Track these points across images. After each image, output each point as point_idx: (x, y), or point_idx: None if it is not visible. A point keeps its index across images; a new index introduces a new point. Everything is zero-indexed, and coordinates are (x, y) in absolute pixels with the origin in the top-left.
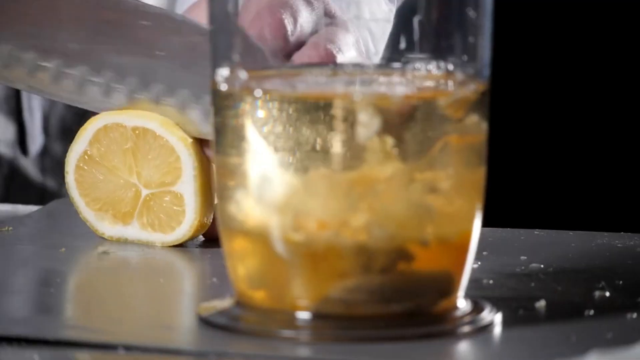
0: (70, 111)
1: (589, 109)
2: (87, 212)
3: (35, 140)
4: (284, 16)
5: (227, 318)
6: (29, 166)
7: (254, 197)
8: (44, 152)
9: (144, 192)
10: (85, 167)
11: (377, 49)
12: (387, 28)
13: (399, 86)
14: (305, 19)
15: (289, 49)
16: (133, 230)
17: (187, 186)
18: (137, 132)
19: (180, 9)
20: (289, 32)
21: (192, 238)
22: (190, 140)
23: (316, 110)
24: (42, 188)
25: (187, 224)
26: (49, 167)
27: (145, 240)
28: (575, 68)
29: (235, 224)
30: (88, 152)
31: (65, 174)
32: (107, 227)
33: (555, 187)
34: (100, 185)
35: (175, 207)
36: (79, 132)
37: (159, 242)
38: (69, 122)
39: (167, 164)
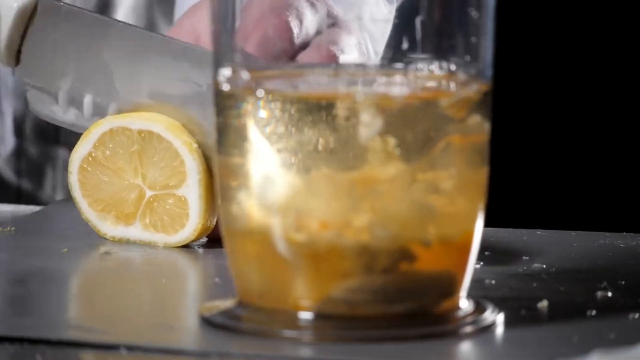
0: None
1: (591, 109)
2: (89, 212)
3: (6, 142)
4: (290, 19)
5: (229, 318)
6: (3, 168)
7: (256, 197)
8: (19, 154)
9: (148, 193)
10: (89, 169)
11: (377, 51)
12: (386, 29)
13: (401, 86)
14: (310, 22)
15: (293, 52)
16: (135, 231)
17: (192, 190)
18: (142, 135)
19: (180, 9)
20: (295, 35)
21: (195, 241)
22: (194, 145)
23: (318, 111)
24: (18, 190)
25: (190, 227)
26: (24, 169)
27: (147, 241)
28: (577, 68)
29: (237, 224)
30: (92, 154)
31: (69, 174)
32: (109, 227)
33: (557, 188)
34: (104, 186)
35: (178, 210)
36: (84, 134)
37: (161, 242)
38: (44, 124)
39: (171, 168)
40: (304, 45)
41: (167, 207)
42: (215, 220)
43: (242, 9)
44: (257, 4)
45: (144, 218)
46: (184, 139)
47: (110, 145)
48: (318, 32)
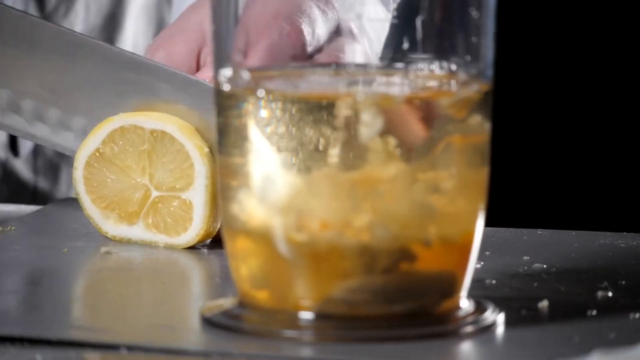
0: None
1: (592, 109)
2: (92, 209)
3: (26, 141)
4: (303, 26)
5: (230, 318)
6: (21, 167)
7: (257, 197)
8: (36, 153)
9: (154, 193)
10: (96, 165)
11: (375, 52)
12: (382, 31)
13: (401, 86)
14: (321, 29)
15: (304, 60)
16: (137, 230)
17: (198, 194)
18: (155, 134)
19: (179, 9)
20: (308, 43)
21: (197, 245)
22: (206, 149)
23: (319, 110)
24: (34, 189)
25: (193, 232)
26: (41, 168)
27: (149, 241)
28: (578, 68)
29: (238, 224)
30: (100, 150)
31: (73, 169)
32: (111, 226)
33: (557, 187)
34: (109, 183)
35: (182, 213)
36: (93, 130)
37: (162, 243)
38: None
39: (180, 170)
40: (314, 53)
41: (172, 209)
42: (218, 226)
43: (244, 10)
44: (260, 5)
45: (147, 218)
46: (196, 142)
47: (120, 143)
48: (328, 40)
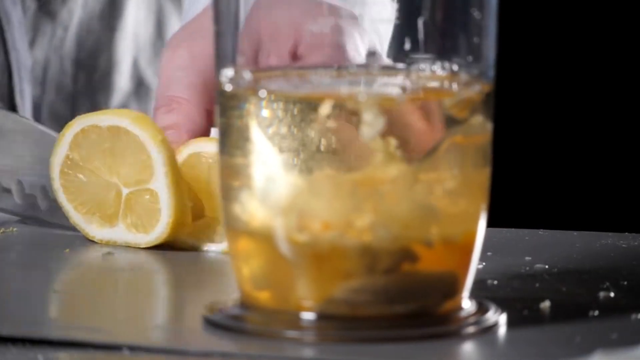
0: (59, 97)
1: (594, 110)
2: (76, 216)
3: None
4: (348, 47)
5: (232, 319)
6: None
7: (259, 197)
8: None
9: (125, 191)
10: (70, 172)
11: (383, 49)
12: (389, 29)
13: (403, 87)
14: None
15: None
16: (120, 232)
17: (161, 184)
18: (112, 131)
19: (188, 14)
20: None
21: (172, 237)
22: (160, 137)
23: None
24: None
25: (163, 222)
26: None
27: (132, 242)
28: (579, 69)
29: (239, 225)
30: (70, 156)
31: (52, 181)
32: (95, 230)
33: (559, 188)
34: (85, 188)
35: (152, 205)
36: (59, 137)
37: (143, 243)
38: (59, 109)
39: (140, 162)
40: None
41: (144, 203)
42: (189, 216)
43: (257, 13)
44: (285, 11)
45: (125, 218)
46: (149, 131)
47: (84, 145)
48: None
